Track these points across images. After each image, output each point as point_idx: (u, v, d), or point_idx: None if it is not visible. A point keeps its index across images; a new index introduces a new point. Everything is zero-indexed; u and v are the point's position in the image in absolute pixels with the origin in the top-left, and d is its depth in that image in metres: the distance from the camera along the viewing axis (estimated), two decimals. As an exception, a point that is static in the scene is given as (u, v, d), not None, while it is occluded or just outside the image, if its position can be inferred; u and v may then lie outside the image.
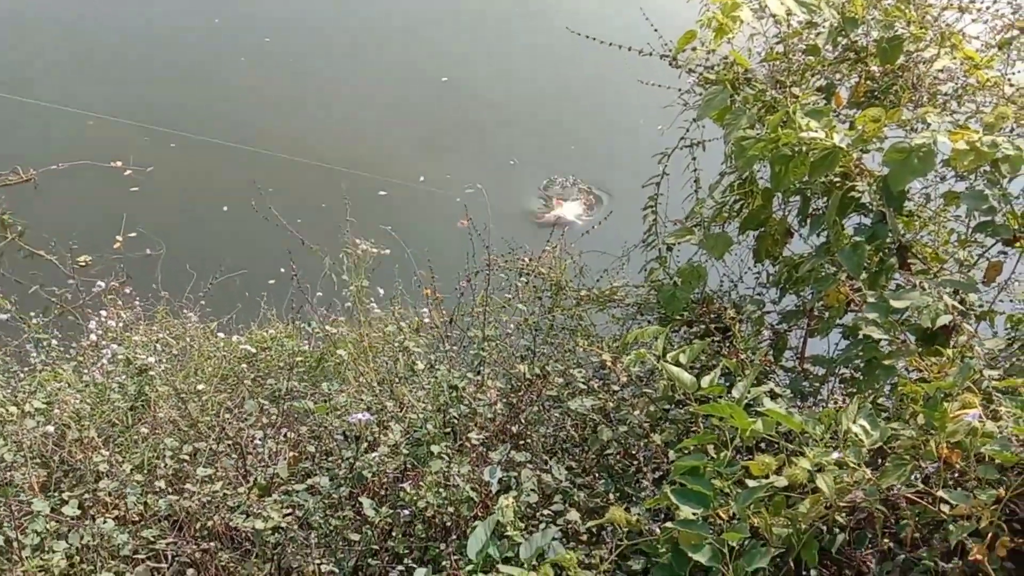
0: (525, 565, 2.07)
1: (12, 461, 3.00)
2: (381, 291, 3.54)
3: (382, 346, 3.10)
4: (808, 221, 2.84)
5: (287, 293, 4.23)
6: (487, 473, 2.21)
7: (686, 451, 2.24)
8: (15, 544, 2.48)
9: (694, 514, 1.99)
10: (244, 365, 3.38)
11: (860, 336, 2.52)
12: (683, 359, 2.19)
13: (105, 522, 2.48)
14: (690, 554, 1.94)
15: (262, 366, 3.34)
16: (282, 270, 4.34)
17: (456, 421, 2.38)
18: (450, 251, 4.27)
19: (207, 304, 4.54)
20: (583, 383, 2.52)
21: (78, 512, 2.52)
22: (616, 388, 2.63)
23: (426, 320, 3.09)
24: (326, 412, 2.76)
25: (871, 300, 2.49)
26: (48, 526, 2.50)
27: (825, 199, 2.80)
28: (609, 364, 2.37)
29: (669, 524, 2.01)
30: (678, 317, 3.01)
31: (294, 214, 5.78)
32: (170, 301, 4.69)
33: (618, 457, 2.57)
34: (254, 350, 3.37)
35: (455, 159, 6.83)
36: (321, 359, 3.28)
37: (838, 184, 2.67)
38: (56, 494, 2.76)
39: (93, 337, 4.33)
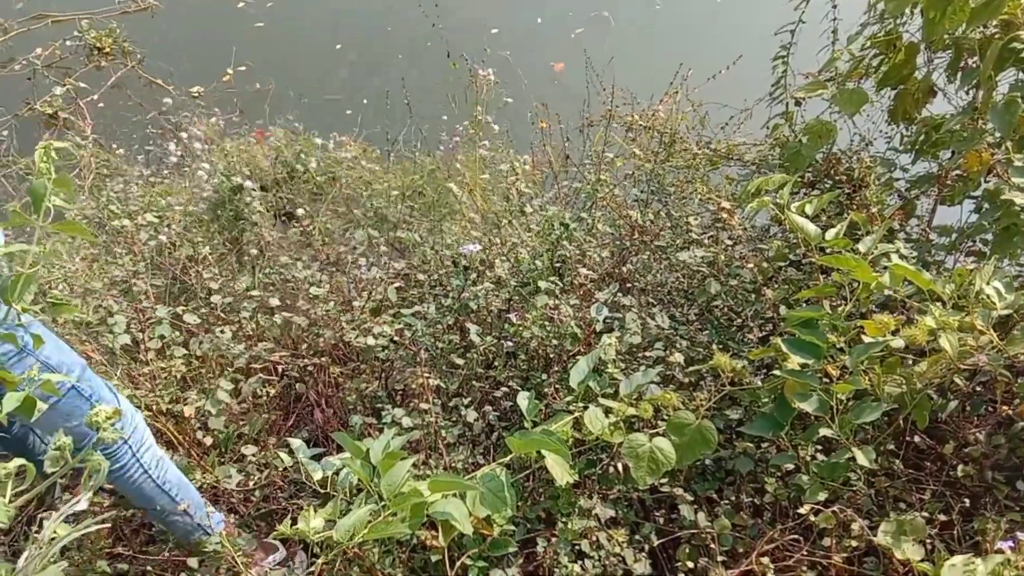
0: (625, 400, 2.10)
1: (135, 269, 3.18)
2: (496, 127, 3.47)
3: (492, 185, 3.08)
4: (958, 77, 2.62)
5: (397, 131, 4.22)
6: (594, 310, 2.21)
7: (800, 304, 2.18)
8: (142, 346, 2.65)
9: (803, 365, 1.96)
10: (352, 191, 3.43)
11: (999, 202, 2.36)
12: (808, 210, 2.09)
13: (223, 332, 2.62)
14: (796, 403, 1.93)
15: (371, 193, 3.37)
16: (388, 103, 4.32)
17: (566, 259, 2.37)
18: (557, 93, 4.14)
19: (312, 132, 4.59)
20: (697, 232, 2.46)
21: (197, 321, 2.66)
22: (729, 242, 2.56)
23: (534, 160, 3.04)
24: (432, 247, 2.80)
25: (1018, 163, 2.31)
26: (171, 333, 2.66)
27: (978, 55, 2.57)
28: (726, 213, 2.30)
29: (776, 373, 1.99)
30: (800, 177, 2.88)
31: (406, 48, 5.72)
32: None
33: (724, 310, 2.53)
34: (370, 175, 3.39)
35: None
36: (422, 193, 3.29)
37: (997, 35, 2.43)
38: (172, 306, 2.92)
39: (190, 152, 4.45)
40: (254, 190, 3.14)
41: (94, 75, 5.70)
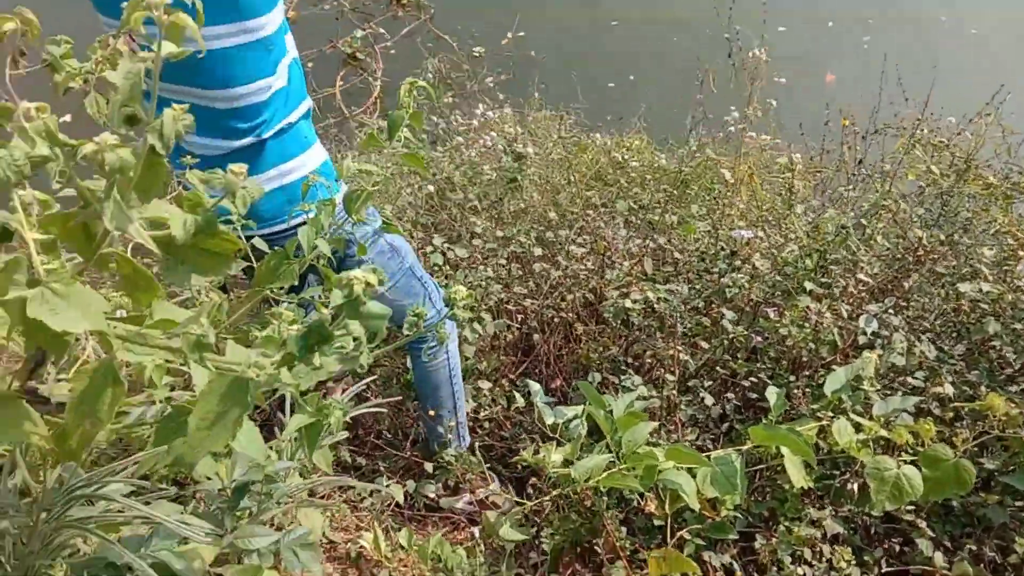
0: (877, 421, 2.02)
1: (404, 204, 3.46)
2: (772, 122, 3.41)
3: (762, 179, 3.03)
4: None
5: (665, 112, 4.26)
6: (862, 321, 2.13)
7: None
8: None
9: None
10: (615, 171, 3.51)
11: None
12: None
13: (485, 269, 2.80)
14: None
15: (631, 175, 3.44)
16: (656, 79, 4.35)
17: (837, 263, 2.30)
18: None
19: (582, 112, 4.73)
20: (987, 265, 2.29)
21: (465, 255, 2.86)
22: (1020, 283, 2.35)
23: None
24: (693, 231, 2.81)
25: None
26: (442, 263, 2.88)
27: None
28: (1028, 248, 2.12)
29: (1061, 427, 1.82)
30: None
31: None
32: (543, 104, 4.95)
33: (1000, 353, 2.34)
34: (626, 156, 3.47)
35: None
36: (687, 183, 3.29)
37: None
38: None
39: (475, 123, 4.76)
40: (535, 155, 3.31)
41: (390, 23, 6.19)
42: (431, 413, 2.37)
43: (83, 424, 0.74)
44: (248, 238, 1.41)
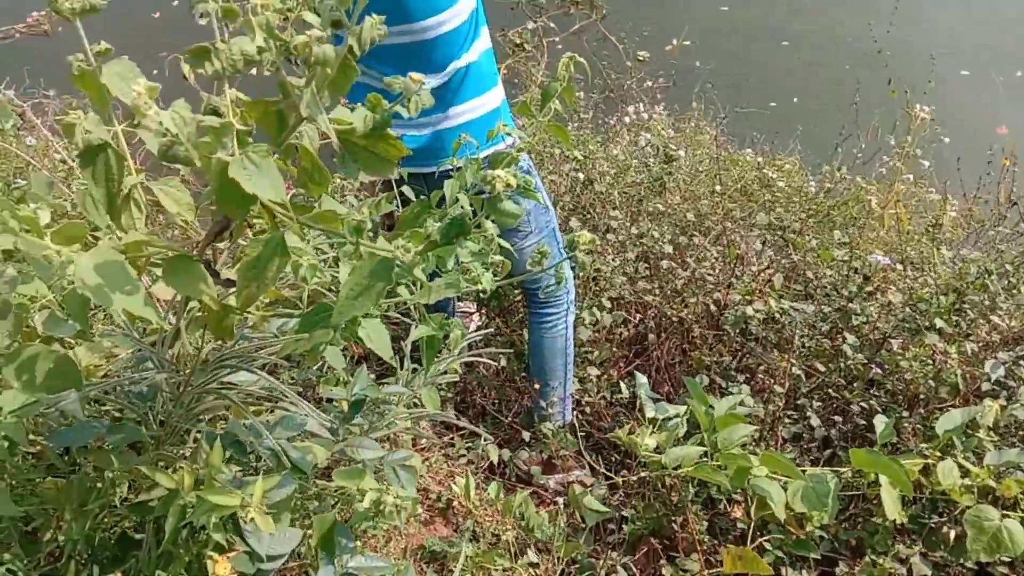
0: (987, 470, 1.96)
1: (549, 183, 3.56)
2: (926, 163, 3.31)
3: (910, 214, 2.95)
4: None
5: (822, 137, 4.18)
6: (988, 367, 2.06)
7: None
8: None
9: None
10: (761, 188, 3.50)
11: None
12: None
13: (614, 260, 2.87)
14: None
15: (776, 195, 3.41)
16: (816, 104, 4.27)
17: (974, 306, 2.23)
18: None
19: (731, 130, 4.71)
20: None
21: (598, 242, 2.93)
22: None
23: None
24: (830, 257, 2.77)
25: None
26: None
27: None
28: None
29: None
30: None
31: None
32: (699, 113, 4.96)
33: None
34: (774, 175, 3.45)
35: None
36: (832, 209, 3.24)
37: None
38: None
39: (627, 120, 4.82)
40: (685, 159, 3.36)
41: (562, 19, 6.33)
42: (536, 386, 2.47)
43: (251, 286, 0.88)
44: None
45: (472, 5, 1.90)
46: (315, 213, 0.89)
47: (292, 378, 1.91)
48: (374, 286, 0.76)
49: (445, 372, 1.70)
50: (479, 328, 2.96)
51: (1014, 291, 2.28)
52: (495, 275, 0.92)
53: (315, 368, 1.94)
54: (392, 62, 1.87)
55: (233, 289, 1.09)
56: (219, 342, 1.31)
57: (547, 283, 2.27)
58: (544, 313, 2.34)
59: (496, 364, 2.72)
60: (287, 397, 1.28)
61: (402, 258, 0.74)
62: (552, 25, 6.05)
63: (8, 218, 0.76)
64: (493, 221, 0.77)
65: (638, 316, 2.99)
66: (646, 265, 2.94)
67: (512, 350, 2.77)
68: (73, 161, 2.92)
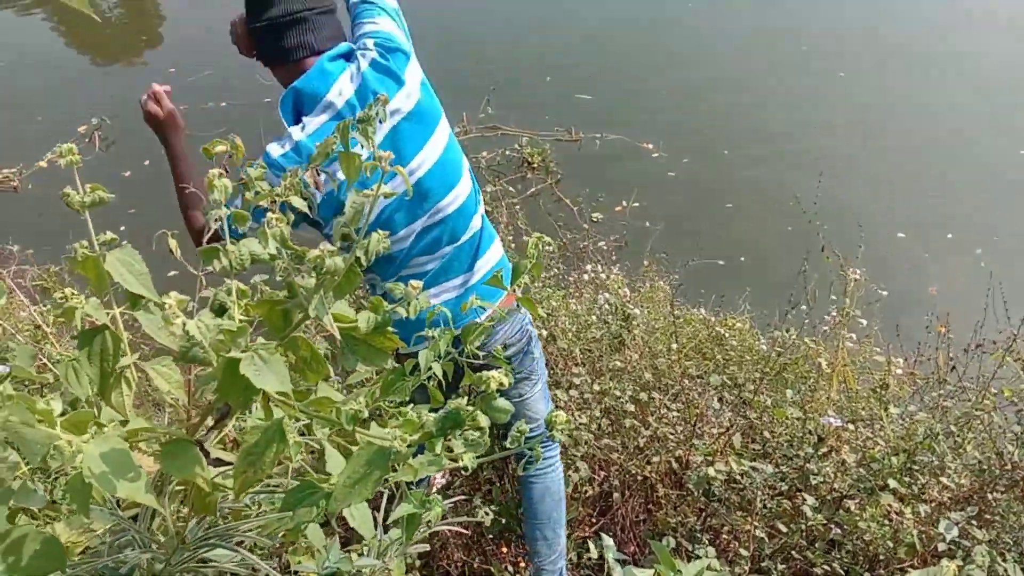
0: (950, 633, 1.98)
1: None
2: (864, 322, 3.49)
3: (858, 375, 3.08)
4: None
5: (770, 296, 4.39)
6: (942, 526, 2.12)
7: None
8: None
9: None
10: (712, 346, 3.64)
11: None
12: None
13: (580, 416, 2.92)
14: None
15: (729, 353, 3.55)
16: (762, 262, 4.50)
17: (925, 467, 2.32)
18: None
19: (685, 286, 4.92)
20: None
21: (564, 398, 3.00)
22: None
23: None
24: (783, 416, 2.87)
25: None
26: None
27: None
28: None
29: None
30: None
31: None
32: (652, 273, 5.18)
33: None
34: (726, 334, 3.59)
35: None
36: (784, 368, 3.37)
37: None
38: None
39: (586, 277, 5.01)
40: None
41: (519, 182, 6.67)
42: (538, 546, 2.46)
43: (248, 471, 0.92)
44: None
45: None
46: (312, 400, 0.95)
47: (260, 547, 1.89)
48: (371, 474, 0.81)
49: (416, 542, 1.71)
50: (445, 486, 2.95)
51: (960, 451, 2.38)
52: (476, 454, 0.97)
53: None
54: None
55: (221, 468, 1.12)
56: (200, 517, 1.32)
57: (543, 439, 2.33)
58: (544, 459, 2.39)
59: (467, 531, 2.70)
60: (262, 571, 1.28)
61: (398, 448, 0.79)
62: (511, 188, 6.36)
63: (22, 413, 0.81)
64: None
65: (603, 473, 3.01)
66: (608, 422, 3.01)
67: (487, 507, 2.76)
68: (44, 323, 2.94)
